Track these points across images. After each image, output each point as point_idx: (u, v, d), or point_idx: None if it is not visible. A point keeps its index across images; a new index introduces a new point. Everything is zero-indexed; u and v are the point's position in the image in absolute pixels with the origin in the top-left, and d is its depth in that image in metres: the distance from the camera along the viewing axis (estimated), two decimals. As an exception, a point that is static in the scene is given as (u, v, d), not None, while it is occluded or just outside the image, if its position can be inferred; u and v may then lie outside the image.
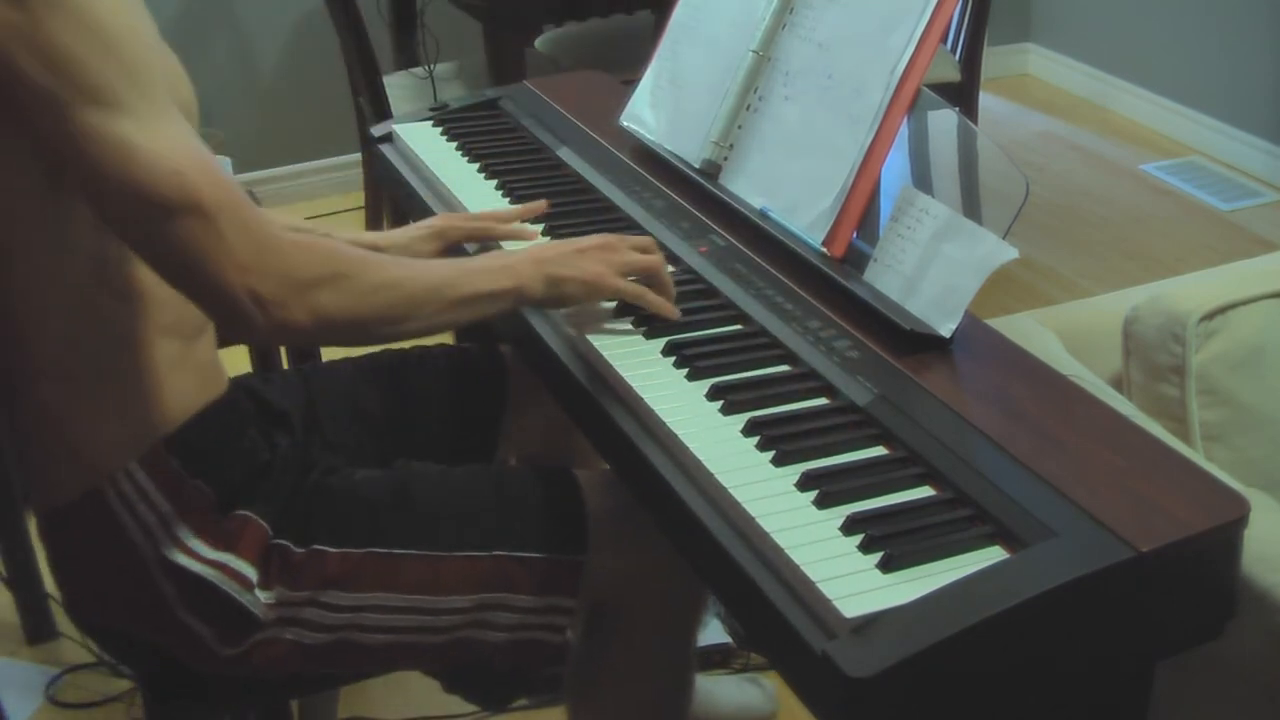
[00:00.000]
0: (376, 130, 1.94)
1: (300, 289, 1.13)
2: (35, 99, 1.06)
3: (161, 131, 1.09)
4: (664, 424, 1.22)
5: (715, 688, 1.96)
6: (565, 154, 1.79)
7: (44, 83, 1.06)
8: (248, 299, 1.11)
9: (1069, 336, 1.53)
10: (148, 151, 1.08)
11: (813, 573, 1.02)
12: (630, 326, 1.38)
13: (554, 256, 1.33)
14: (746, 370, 1.30)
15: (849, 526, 1.08)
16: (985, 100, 3.81)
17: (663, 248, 1.53)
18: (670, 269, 1.49)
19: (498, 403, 1.63)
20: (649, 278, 1.38)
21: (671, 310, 1.38)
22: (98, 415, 1.25)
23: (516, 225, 1.56)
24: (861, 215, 1.40)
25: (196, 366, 1.30)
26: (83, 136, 1.07)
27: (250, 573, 1.28)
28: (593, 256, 1.34)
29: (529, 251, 1.34)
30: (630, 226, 1.58)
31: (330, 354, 1.72)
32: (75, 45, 1.06)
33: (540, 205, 1.60)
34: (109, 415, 1.25)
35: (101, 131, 1.07)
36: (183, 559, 1.26)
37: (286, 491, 1.33)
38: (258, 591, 1.29)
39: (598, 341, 1.35)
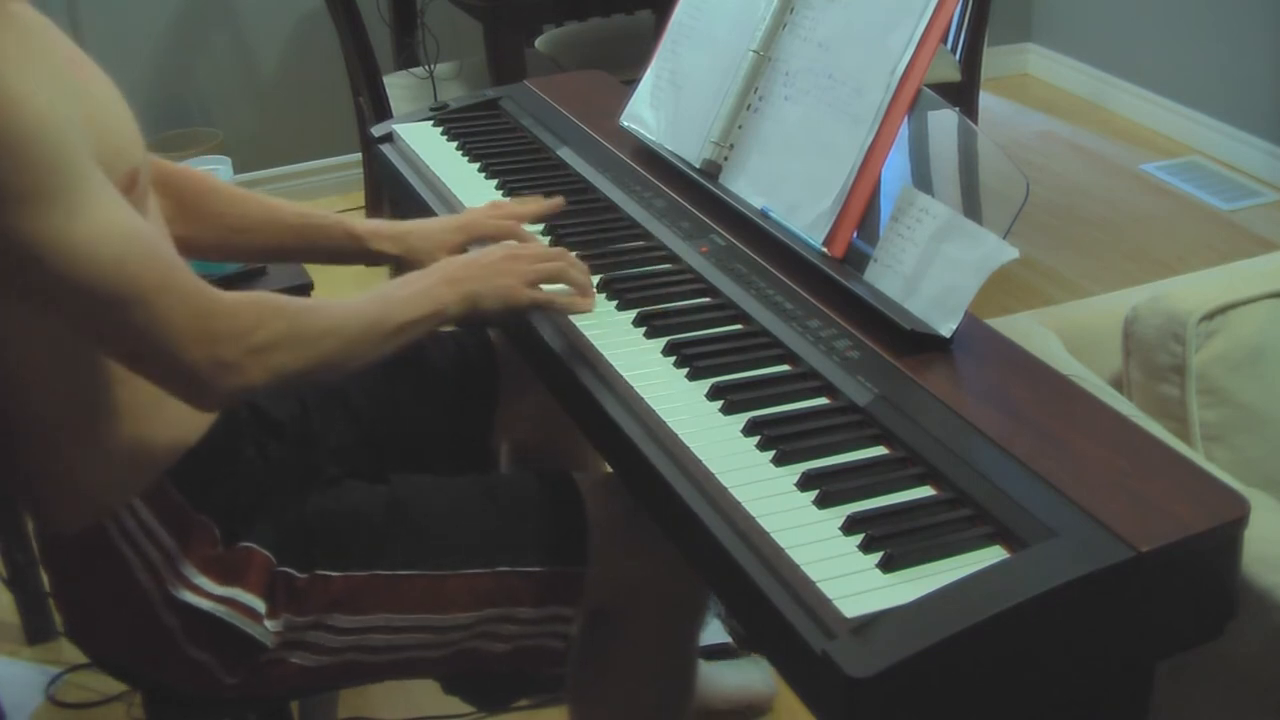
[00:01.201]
0: (377, 130, 1.94)
1: (254, 352, 1.14)
2: None
3: (92, 216, 1.06)
4: (664, 424, 1.22)
5: (714, 672, 1.96)
6: (565, 154, 1.79)
7: None
8: (208, 367, 1.12)
9: (1069, 336, 1.53)
10: (83, 242, 1.05)
11: (813, 572, 1.02)
12: (630, 326, 1.38)
13: (465, 276, 1.34)
14: (746, 370, 1.30)
15: (849, 526, 1.08)
16: (985, 100, 3.81)
17: (663, 247, 1.53)
18: (669, 267, 1.50)
19: (490, 390, 1.62)
20: (561, 281, 1.39)
21: (584, 305, 1.39)
22: (99, 449, 1.23)
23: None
24: (861, 215, 1.40)
25: None
26: (16, 242, 1.04)
27: (259, 605, 1.28)
28: (501, 269, 1.36)
29: (443, 272, 1.34)
30: (630, 226, 1.58)
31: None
32: None
33: (558, 202, 1.60)
34: (109, 451, 1.23)
35: (34, 233, 1.04)
36: (190, 597, 1.26)
37: (288, 516, 1.32)
38: (266, 622, 1.28)
39: (598, 341, 1.35)
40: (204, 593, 1.26)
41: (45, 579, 1.38)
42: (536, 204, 1.59)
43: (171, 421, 1.26)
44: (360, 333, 1.25)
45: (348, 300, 1.27)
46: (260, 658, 1.29)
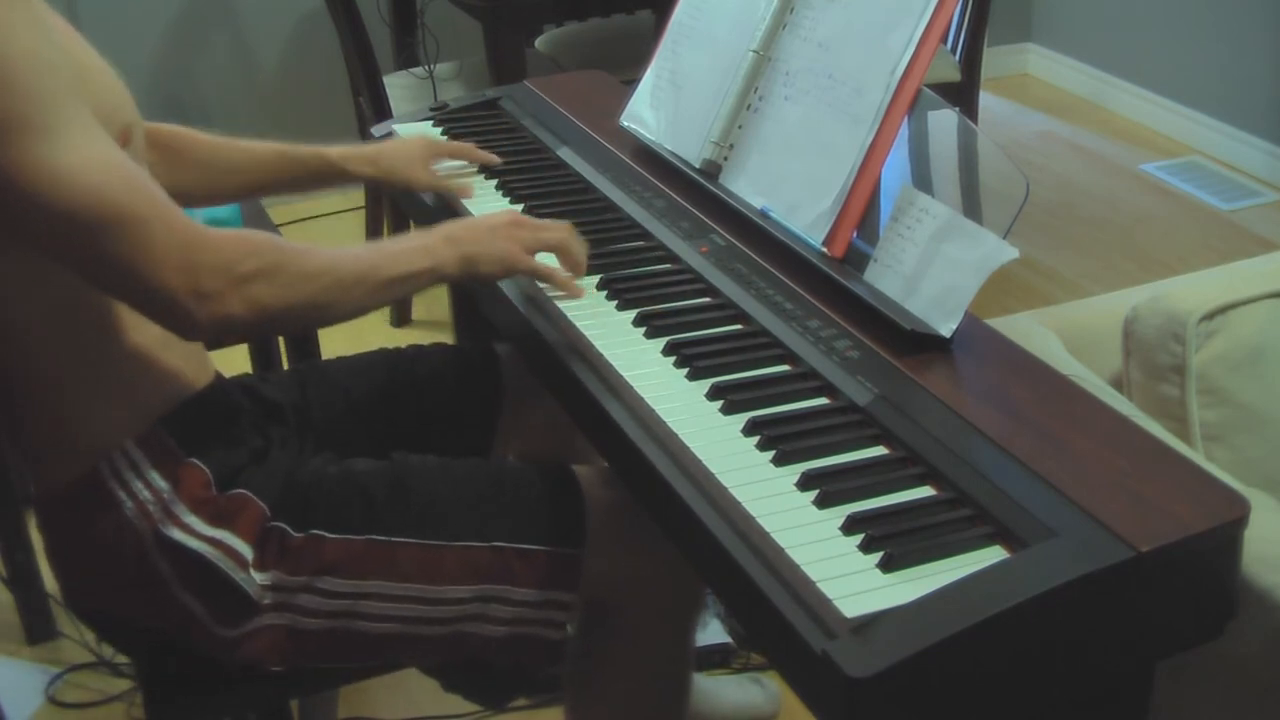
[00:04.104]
0: (377, 130, 1.94)
1: (237, 282, 1.16)
2: None
3: (77, 147, 1.11)
4: (664, 424, 1.22)
5: (718, 687, 1.96)
6: (565, 154, 1.79)
7: None
8: (188, 296, 1.14)
9: (1069, 336, 1.53)
10: (67, 170, 1.09)
11: (813, 572, 1.02)
12: (630, 326, 1.38)
13: (467, 236, 1.36)
14: (746, 370, 1.30)
15: (849, 526, 1.08)
16: (985, 100, 3.81)
17: (663, 247, 1.53)
18: (669, 267, 1.50)
19: (493, 402, 1.63)
20: (561, 252, 1.42)
21: (576, 290, 1.41)
22: (93, 396, 1.26)
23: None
24: (861, 215, 1.40)
25: (187, 347, 1.31)
26: (1, 165, 1.08)
27: (246, 551, 1.29)
28: (503, 234, 1.38)
29: (444, 230, 1.37)
30: (630, 226, 1.58)
31: (327, 353, 1.73)
32: None
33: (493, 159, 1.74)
34: (104, 396, 1.26)
35: (17, 158, 1.08)
36: (179, 535, 1.27)
37: (285, 475, 1.34)
38: (253, 571, 1.29)
39: (598, 341, 1.35)
40: (193, 532, 1.28)
41: (46, 570, 1.39)
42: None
43: (167, 371, 1.29)
44: (351, 278, 1.26)
45: (343, 248, 1.29)
46: (252, 617, 1.30)
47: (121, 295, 1.18)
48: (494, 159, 1.74)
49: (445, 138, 1.86)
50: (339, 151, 1.61)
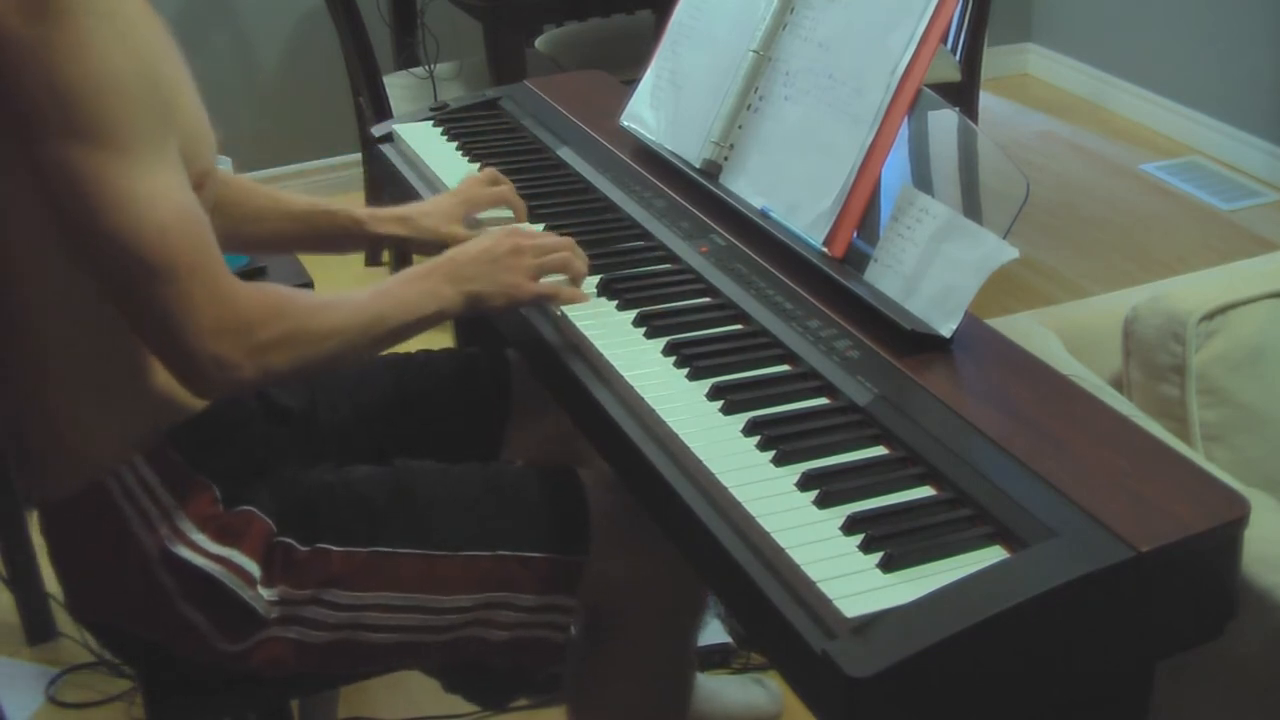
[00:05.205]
0: (377, 130, 1.94)
1: (255, 350, 1.17)
2: (36, 123, 1.09)
3: (153, 180, 1.11)
4: (664, 424, 1.22)
5: (720, 688, 1.95)
6: (565, 154, 1.79)
7: (45, 109, 1.08)
8: (209, 361, 1.15)
9: (1069, 336, 1.53)
10: (136, 201, 1.10)
11: (813, 572, 1.02)
12: (630, 326, 1.38)
13: (472, 273, 1.35)
14: (746, 370, 1.30)
15: (849, 526, 1.08)
16: (985, 100, 3.81)
17: (663, 247, 1.53)
18: (669, 267, 1.50)
19: (501, 408, 1.63)
20: (563, 271, 1.41)
21: (580, 298, 1.41)
22: (102, 409, 1.25)
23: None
24: (862, 215, 1.40)
25: None
26: (76, 173, 1.09)
27: (253, 569, 1.29)
28: (505, 264, 1.37)
29: (446, 265, 1.35)
30: (630, 226, 1.58)
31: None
32: (80, 80, 1.08)
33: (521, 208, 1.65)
34: (113, 408, 1.26)
35: (94, 171, 1.09)
36: (185, 552, 1.27)
37: (290, 488, 1.34)
38: (260, 589, 1.29)
39: (598, 341, 1.35)
40: (200, 550, 1.27)
41: (46, 570, 1.39)
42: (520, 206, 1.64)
43: (177, 384, 1.27)
44: (358, 334, 1.27)
45: (351, 297, 1.29)
46: (256, 629, 1.30)
47: (148, 341, 1.18)
48: (523, 206, 1.64)
49: (451, 143, 1.85)
50: (369, 212, 1.58)
